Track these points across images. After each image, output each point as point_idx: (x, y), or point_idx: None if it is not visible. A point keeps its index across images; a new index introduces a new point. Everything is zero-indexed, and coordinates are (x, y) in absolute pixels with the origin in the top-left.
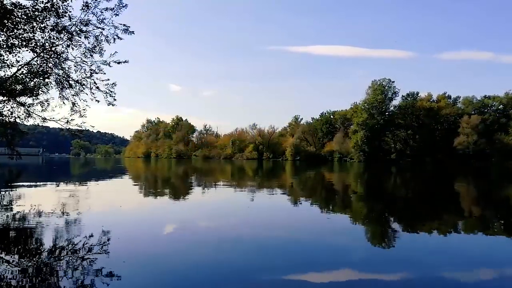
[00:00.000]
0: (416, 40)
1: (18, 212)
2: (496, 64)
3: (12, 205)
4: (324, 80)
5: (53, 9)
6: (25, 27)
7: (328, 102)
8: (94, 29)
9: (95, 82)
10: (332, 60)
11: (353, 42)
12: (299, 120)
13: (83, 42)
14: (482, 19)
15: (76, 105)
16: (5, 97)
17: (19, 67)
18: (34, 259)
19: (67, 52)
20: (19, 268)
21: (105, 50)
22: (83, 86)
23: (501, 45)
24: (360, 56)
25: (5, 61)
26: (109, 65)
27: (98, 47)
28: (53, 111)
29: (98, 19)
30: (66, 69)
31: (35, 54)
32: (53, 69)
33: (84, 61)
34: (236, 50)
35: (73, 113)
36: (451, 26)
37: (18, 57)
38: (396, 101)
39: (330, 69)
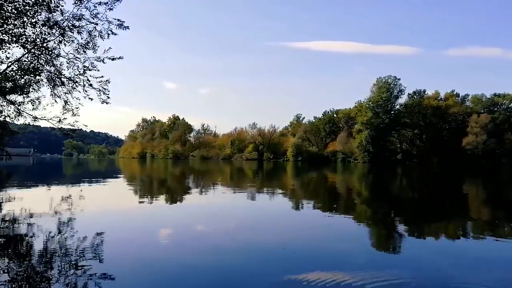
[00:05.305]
0: (420, 35)
1: (7, 214)
2: (504, 61)
3: (1, 207)
4: (325, 77)
5: (44, 3)
6: (15, 22)
7: (330, 100)
8: (87, 24)
9: (88, 79)
10: (333, 56)
11: (355, 38)
12: (301, 119)
13: (75, 38)
14: (489, 14)
15: (68, 103)
16: None
17: (9, 63)
18: (25, 263)
19: (59, 48)
20: (9, 273)
21: (98, 46)
22: (76, 83)
23: (509, 41)
24: (363, 52)
25: None
26: (103, 61)
27: (91, 42)
28: (44, 109)
29: (92, 13)
30: (58, 65)
31: (25, 50)
32: (45, 66)
33: (77, 57)
34: (234, 45)
35: (65, 111)
36: (457, 22)
37: (8, 53)
38: (402, 99)
39: (331, 65)
